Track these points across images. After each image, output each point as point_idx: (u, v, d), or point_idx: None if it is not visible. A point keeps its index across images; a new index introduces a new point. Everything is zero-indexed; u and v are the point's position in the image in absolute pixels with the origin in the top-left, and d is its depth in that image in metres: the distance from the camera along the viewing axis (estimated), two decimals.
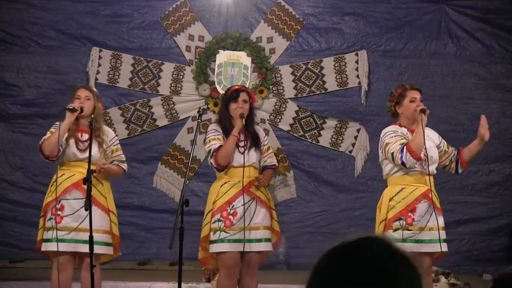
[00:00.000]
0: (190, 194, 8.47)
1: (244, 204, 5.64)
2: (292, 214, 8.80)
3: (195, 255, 7.96)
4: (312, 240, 8.79)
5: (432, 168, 5.50)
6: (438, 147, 5.60)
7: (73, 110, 5.67)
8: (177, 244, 5.19)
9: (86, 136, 5.75)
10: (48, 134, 5.76)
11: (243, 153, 5.74)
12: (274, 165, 5.98)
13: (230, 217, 5.65)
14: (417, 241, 5.40)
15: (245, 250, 5.64)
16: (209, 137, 5.79)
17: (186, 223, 5.27)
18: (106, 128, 5.96)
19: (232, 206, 5.66)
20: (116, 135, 8.85)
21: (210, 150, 5.70)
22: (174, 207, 8.52)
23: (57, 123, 5.78)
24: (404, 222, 5.43)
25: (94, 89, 5.98)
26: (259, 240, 5.68)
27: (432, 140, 5.56)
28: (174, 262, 8.21)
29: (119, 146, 5.98)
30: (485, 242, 8.67)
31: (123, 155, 5.98)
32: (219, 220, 5.67)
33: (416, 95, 5.52)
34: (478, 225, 8.69)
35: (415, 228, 5.40)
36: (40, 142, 5.75)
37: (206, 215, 5.76)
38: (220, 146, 5.67)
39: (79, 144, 5.74)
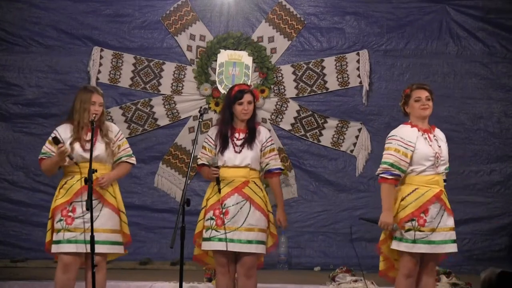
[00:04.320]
0: (191, 193, 8.48)
1: (234, 204, 5.63)
2: (293, 213, 8.80)
3: None
4: (313, 240, 8.80)
5: (443, 168, 5.48)
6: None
7: (57, 142, 5.59)
8: (178, 243, 5.20)
9: (89, 136, 5.72)
10: (47, 145, 5.71)
11: (239, 152, 5.72)
12: (279, 168, 5.83)
13: (222, 216, 5.63)
14: (429, 242, 5.36)
15: (237, 250, 5.62)
16: (203, 143, 5.85)
17: (187, 223, 5.27)
18: (109, 124, 5.86)
19: (224, 205, 5.64)
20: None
21: (198, 158, 5.84)
22: (175, 206, 8.54)
23: (57, 129, 5.74)
24: (416, 223, 5.36)
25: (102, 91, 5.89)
26: (251, 242, 5.63)
27: (443, 142, 5.54)
28: (175, 262, 8.21)
29: (124, 140, 5.89)
30: (486, 241, 8.67)
31: (129, 149, 5.88)
32: (211, 219, 5.66)
33: (422, 94, 5.49)
34: (479, 225, 8.69)
35: (427, 229, 5.35)
36: (39, 157, 5.76)
37: (200, 211, 5.77)
38: (202, 164, 5.78)
39: (85, 144, 5.70)
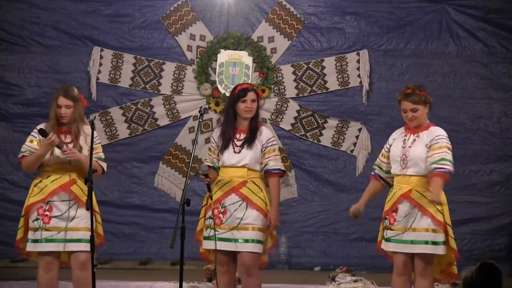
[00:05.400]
0: (191, 193, 8.48)
1: (231, 204, 5.66)
2: (293, 213, 8.81)
3: (196, 254, 7.95)
4: (313, 240, 8.80)
5: (413, 170, 5.46)
6: (427, 145, 5.51)
7: (45, 134, 5.63)
8: (178, 243, 5.20)
9: (69, 138, 5.75)
10: (28, 143, 5.77)
11: (238, 152, 5.74)
12: (279, 169, 5.79)
13: (220, 215, 5.67)
14: (400, 241, 5.43)
15: (234, 249, 5.67)
16: (209, 144, 5.95)
17: (187, 223, 5.28)
18: (86, 128, 5.86)
19: (222, 204, 5.68)
20: (118, 134, 8.90)
21: (205, 160, 5.95)
22: (175, 206, 8.53)
23: (37, 128, 5.79)
24: (388, 222, 5.52)
25: (75, 94, 5.80)
26: (246, 241, 5.66)
27: (424, 140, 5.50)
28: (175, 262, 8.21)
29: (99, 145, 5.91)
30: (486, 241, 8.67)
31: (102, 154, 5.90)
32: (210, 218, 5.72)
33: (406, 106, 5.47)
34: (479, 225, 8.69)
35: (397, 228, 5.45)
36: (19, 156, 5.80)
37: (201, 209, 5.82)
38: (209, 167, 5.79)
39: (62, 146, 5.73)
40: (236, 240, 5.64)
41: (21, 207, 8.63)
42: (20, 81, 8.93)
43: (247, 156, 5.71)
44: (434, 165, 5.34)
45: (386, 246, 5.54)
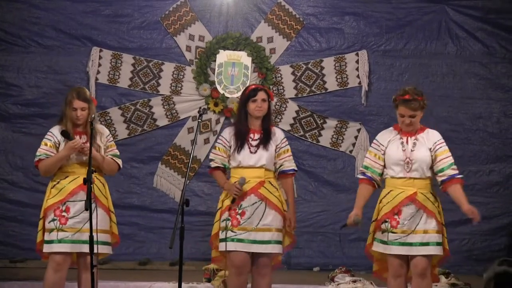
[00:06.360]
0: (191, 194, 8.48)
1: (251, 205, 5.65)
2: None
3: (195, 255, 7.97)
4: (313, 240, 8.80)
5: (418, 173, 5.43)
6: (430, 149, 5.52)
7: (70, 138, 5.64)
8: (178, 244, 5.20)
9: (84, 138, 5.75)
10: (43, 147, 5.75)
11: (254, 153, 5.74)
12: (293, 169, 5.86)
13: (238, 216, 5.65)
14: (404, 244, 5.38)
15: (252, 251, 5.65)
16: (216, 143, 5.89)
17: (186, 223, 5.28)
18: (100, 127, 5.90)
19: (241, 206, 5.67)
20: (117, 134, 8.92)
21: (211, 160, 5.85)
22: (174, 207, 8.53)
23: (51, 131, 5.78)
24: (389, 225, 5.44)
25: (88, 95, 5.83)
26: (267, 242, 5.66)
27: (425, 144, 5.49)
28: (174, 262, 8.21)
29: (113, 142, 5.96)
30: (486, 242, 8.68)
31: (117, 151, 5.94)
32: (227, 219, 5.68)
33: (405, 112, 5.43)
34: (478, 225, 8.61)
35: (399, 230, 5.40)
36: (36, 160, 5.76)
37: (216, 212, 5.79)
38: (216, 167, 5.78)
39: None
40: (255, 242, 5.63)
41: (20, 207, 8.75)
42: (19, 82, 8.93)
43: (264, 156, 5.72)
44: (449, 171, 5.44)
45: (388, 249, 5.45)
